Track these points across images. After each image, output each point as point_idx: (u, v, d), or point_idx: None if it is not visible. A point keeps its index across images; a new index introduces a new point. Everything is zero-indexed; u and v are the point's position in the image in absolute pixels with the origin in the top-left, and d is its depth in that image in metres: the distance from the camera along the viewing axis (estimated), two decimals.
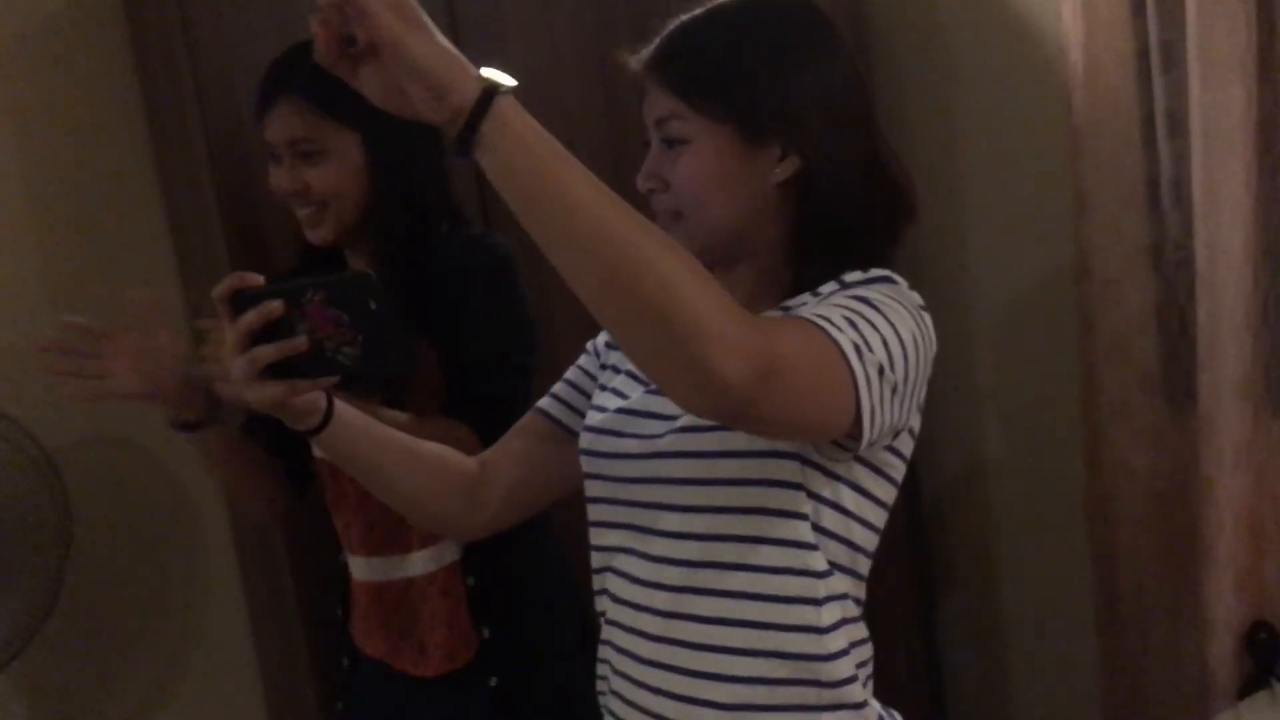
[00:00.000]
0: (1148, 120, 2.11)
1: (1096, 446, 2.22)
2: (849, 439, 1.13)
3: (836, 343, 1.08)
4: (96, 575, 2.30)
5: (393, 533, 1.76)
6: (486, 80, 1.00)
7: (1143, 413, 2.17)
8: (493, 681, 1.77)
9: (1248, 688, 2.03)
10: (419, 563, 1.77)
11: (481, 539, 1.51)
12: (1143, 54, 2.09)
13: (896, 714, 1.30)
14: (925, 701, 2.68)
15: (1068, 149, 2.16)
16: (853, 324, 1.10)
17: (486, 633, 1.77)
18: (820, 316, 1.11)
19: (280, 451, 1.83)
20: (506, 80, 1.01)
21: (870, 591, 1.30)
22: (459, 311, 1.69)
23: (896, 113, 2.48)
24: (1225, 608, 2.04)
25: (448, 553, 1.76)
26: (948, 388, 2.33)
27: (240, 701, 2.48)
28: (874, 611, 1.30)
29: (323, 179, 1.69)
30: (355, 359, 1.15)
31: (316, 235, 1.72)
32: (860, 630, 1.26)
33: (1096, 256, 2.14)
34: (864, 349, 1.09)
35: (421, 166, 1.73)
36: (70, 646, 2.29)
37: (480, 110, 0.99)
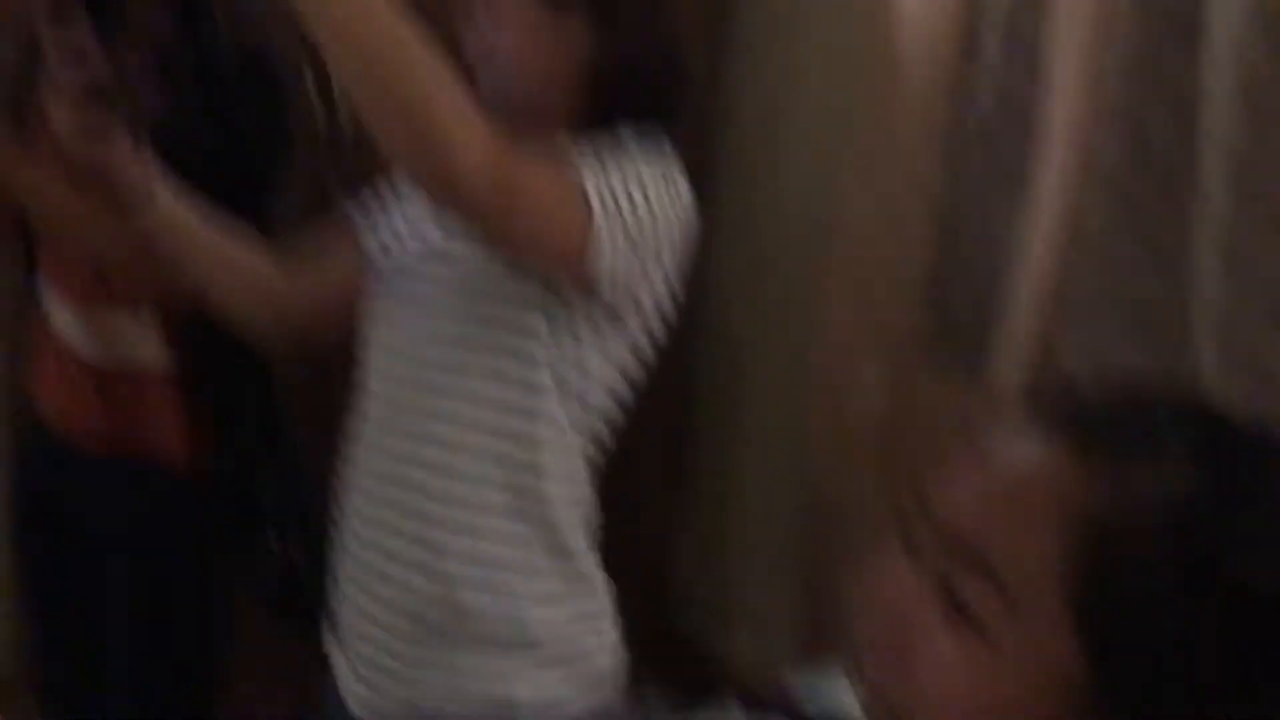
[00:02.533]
0: None
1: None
2: (584, 281, 1.21)
3: (580, 183, 1.18)
4: None
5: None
6: None
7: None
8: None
9: None
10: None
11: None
12: None
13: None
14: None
15: None
16: (603, 168, 1.20)
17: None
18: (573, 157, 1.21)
19: None
20: None
21: None
22: None
23: None
24: None
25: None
26: None
27: None
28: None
29: None
30: None
31: None
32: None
33: None
34: (605, 192, 1.18)
35: None
36: None
37: None
